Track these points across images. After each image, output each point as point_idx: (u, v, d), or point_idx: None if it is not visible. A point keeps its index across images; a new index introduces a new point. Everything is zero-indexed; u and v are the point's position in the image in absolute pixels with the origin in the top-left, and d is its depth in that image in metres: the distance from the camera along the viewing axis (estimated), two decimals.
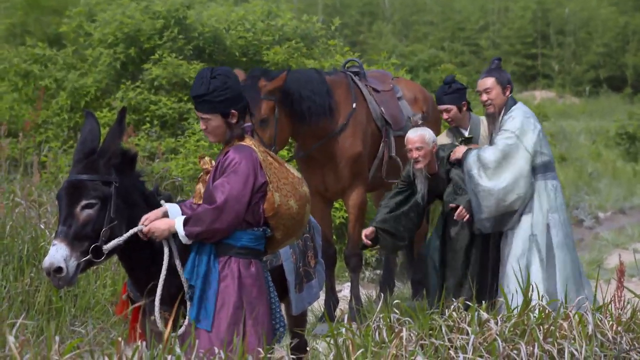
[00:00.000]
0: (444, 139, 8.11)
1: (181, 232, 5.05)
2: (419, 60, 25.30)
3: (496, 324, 5.42)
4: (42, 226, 8.21)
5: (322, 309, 8.51)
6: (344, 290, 9.80)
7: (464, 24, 40.01)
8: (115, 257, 5.51)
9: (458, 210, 7.25)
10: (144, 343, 5.02)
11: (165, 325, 4.99)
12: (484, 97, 7.53)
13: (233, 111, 5.16)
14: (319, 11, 34.11)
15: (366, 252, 11.14)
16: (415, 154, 7.38)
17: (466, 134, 8.04)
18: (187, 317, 5.12)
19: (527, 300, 5.64)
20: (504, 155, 7.32)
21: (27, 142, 12.49)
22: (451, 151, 7.50)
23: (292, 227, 5.21)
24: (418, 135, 7.41)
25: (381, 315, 5.50)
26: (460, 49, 37.50)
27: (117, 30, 13.12)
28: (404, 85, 9.48)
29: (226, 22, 13.91)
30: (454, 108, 8.07)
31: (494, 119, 7.57)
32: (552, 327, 5.43)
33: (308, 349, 6.17)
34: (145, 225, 5.14)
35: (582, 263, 7.82)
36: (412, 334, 5.30)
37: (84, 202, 5.08)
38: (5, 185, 9.97)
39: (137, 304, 5.33)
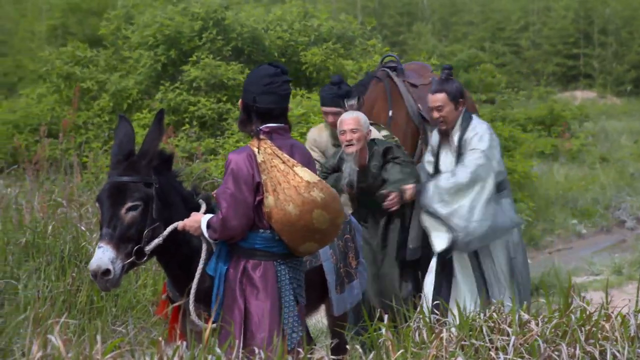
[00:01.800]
0: (320, 133, 7.78)
1: (205, 233, 5.09)
2: (459, 60, 25.21)
3: (537, 324, 5.37)
4: (83, 227, 8.27)
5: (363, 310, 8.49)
6: None
7: (504, 23, 39.78)
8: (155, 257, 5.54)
9: (389, 198, 7.04)
10: (184, 343, 5.03)
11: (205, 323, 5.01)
12: (436, 114, 7.18)
13: (240, 100, 5.22)
14: (358, 12, 34.06)
15: None
16: (348, 136, 7.03)
17: None
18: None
19: (567, 302, 5.59)
20: (475, 177, 7.02)
21: (68, 143, 12.58)
22: (385, 148, 7.19)
23: (296, 233, 5.05)
24: (353, 118, 7.08)
25: (421, 316, 5.48)
26: (500, 49, 37.29)
27: (157, 32, 13.18)
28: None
29: (264, 22, 13.94)
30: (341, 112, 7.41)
31: (447, 136, 7.21)
32: (593, 329, 5.37)
33: (348, 347, 6.15)
34: (182, 223, 5.18)
35: (624, 264, 7.79)
36: (452, 335, 5.26)
37: (128, 204, 5.10)
38: (47, 186, 10.05)
39: (176, 304, 5.35)
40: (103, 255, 5.01)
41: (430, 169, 7.37)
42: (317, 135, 7.79)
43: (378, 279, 7.20)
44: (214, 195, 5.19)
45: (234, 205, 4.99)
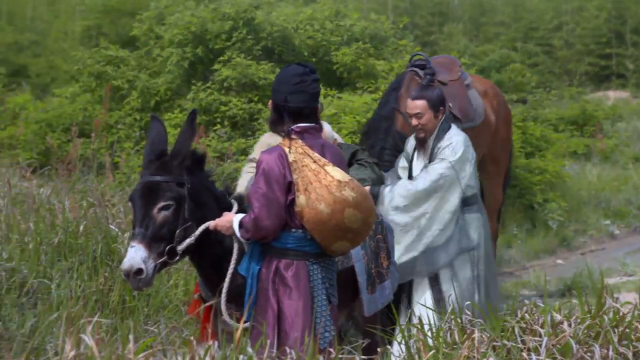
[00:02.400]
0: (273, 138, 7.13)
1: (237, 233, 5.10)
2: (491, 60, 25.10)
3: (570, 325, 5.34)
4: (115, 227, 8.30)
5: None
6: None
7: (537, 23, 39.57)
8: (187, 257, 5.55)
9: None
10: (216, 343, 5.05)
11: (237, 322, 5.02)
12: (414, 121, 6.93)
13: (270, 101, 5.21)
14: (389, 12, 34.00)
15: None
16: None
17: None
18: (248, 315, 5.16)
19: (600, 303, 5.55)
20: (436, 186, 6.85)
21: (100, 143, 12.65)
22: (353, 152, 6.95)
23: (328, 232, 5.06)
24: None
25: (452, 317, 5.46)
26: (533, 49, 37.09)
27: (185, 30, 13.23)
28: (475, 79, 9.36)
29: (295, 22, 13.94)
30: None
31: (424, 144, 7.01)
32: (627, 330, 5.33)
33: (377, 349, 6.14)
34: (214, 223, 5.19)
35: None
36: (484, 336, 5.24)
37: (161, 204, 5.13)
38: (79, 186, 10.10)
39: (208, 304, 5.36)
40: (135, 255, 5.03)
41: (404, 175, 7.23)
42: (272, 140, 7.07)
43: None
44: (246, 195, 5.20)
45: (266, 205, 5.00)
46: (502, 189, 9.71)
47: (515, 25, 39.76)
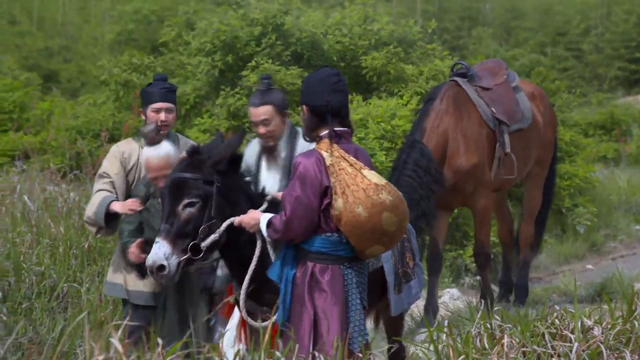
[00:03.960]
0: (131, 145, 6.72)
1: (264, 232, 5.11)
2: (520, 65, 25.00)
3: (600, 331, 5.30)
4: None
5: (422, 315, 8.47)
6: (444, 297, 9.73)
7: (566, 28, 39.41)
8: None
9: None
10: (244, 346, 5.06)
11: (274, 323, 5.05)
12: (262, 129, 6.25)
13: (304, 106, 5.21)
14: (418, 16, 33.98)
15: (466, 258, 11.06)
16: (162, 183, 5.87)
17: None
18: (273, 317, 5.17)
19: (631, 308, 5.51)
20: None
21: None
22: None
23: (364, 235, 5.07)
24: (162, 158, 6.11)
25: (482, 322, 5.44)
26: (562, 54, 36.93)
27: (215, 38, 13.26)
28: (521, 82, 9.33)
29: (323, 26, 13.94)
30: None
31: (273, 152, 6.37)
32: None
33: (404, 354, 6.12)
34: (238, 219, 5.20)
35: None
36: (513, 341, 5.22)
37: (186, 201, 5.16)
38: None
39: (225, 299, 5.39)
40: (159, 251, 5.08)
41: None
42: (127, 148, 6.71)
43: None
44: (282, 195, 5.19)
45: (299, 208, 5.02)
46: (547, 192, 9.68)
47: (544, 30, 39.62)
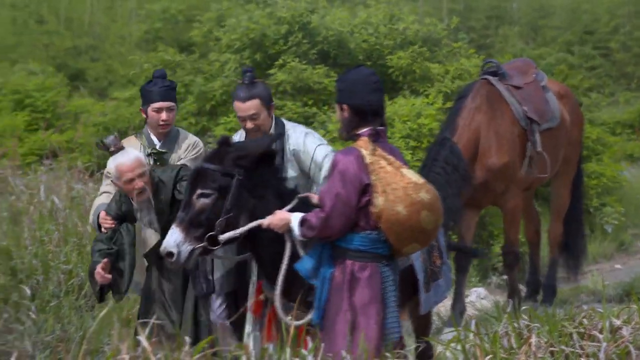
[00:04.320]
0: (132, 142, 6.63)
1: (297, 232, 5.11)
2: (547, 64, 24.89)
3: (629, 331, 5.26)
4: None
5: (450, 314, 8.45)
6: (471, 296, 9.70)
7: (593, 26, 39.20)
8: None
9: None
10: (272, 345, 5.06)
11: (289, 317, 5.05)
12: (249, 124, 6.14)
13: (344, 105, 5.18)
14: (444, 15, 33.87)
15: (493, 257, 11.03)
16: (139, 183, 5.96)
17: (159, 145, 6.59)
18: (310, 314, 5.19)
19: None
20: None
21: None
22: (177, 172, 6.11)
23: (404, 233, 5.10)
24: (134, 160, 5.99)
25: (509, 322, 5.42)
26: (590, 52, 36.74)
27: (244, 36, 13.28)
28: (549, 82, 9.30)
29: (350, 25, 13.93)
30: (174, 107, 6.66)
31: None
32: None
33: (432, 353, 6.11)
34: (267, 221, 5.20)
35: None
36: (541, 341, 5.19)
37: (199, 191, 5.18)
38: None
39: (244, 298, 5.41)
40: (170, 238, 5.16)
41: None
42: (128, 145, 6.49)
43: None
44: (321, 192, 5.18)
45: (338, 204, 5.03)
46: (576, 191, 9.64)
47: (572, 29, 39.43)
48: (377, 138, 5.23)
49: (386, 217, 5.05)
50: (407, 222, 5.06)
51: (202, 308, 6.20)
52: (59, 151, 13.31)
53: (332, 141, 11.49)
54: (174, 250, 5.14)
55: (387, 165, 5.13)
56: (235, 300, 6.29)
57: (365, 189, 5.08)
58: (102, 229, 6.19)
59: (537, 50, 32.77)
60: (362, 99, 5.22)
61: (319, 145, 6.28)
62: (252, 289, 5.69)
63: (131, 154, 6.01)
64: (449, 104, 11.40)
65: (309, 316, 5.19)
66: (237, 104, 6.18)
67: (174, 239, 5.15)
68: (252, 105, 6.13)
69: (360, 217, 5.11)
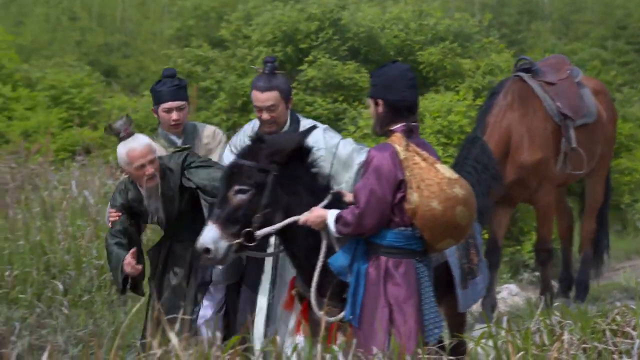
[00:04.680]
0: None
1: (332, 228, 5.10)
2: (580, 59, 24.73)
3: None
4: None
5: (481, 311, 8.43)
6: (503, 292, 9.67)
7: (627, 21, 38.92)
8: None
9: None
10: (302, 340, 5.06)
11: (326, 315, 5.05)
12: (266, 115, 6.02)
13: (379, 100, 5.17)
14: (476, 10, 33.77)
15: (524, 253, 10.98)
16: (150, 169, 5.91)
17: (179, 143, 6.47)
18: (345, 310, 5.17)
19: None
20: None
21: None
22: (184, 158, 6.04)
23: (438, 229, 5.08)
24: (145, 146, 5.92)
25: (541, 318, 5.39)
26: (623, 47, 36.48)
27: (276, 29, 13.30)
28: (584, 78, 9.25)
29: (380, 21, 13.92)
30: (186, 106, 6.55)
31: None
32: None
33: (465, 349, 6.09)
34: (304, 218, 5.20)
35: None
36: (573, 338, 5.16)
37: (236, 187, 5.18)
38: None
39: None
40: (206, 234, 5.13)
41: None
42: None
43: None
44: (356, 188, 5.18)
45: (373, 200, 5.02)
46: (605, 187, 9.59)
47: (604, 24, 39.18)
48: (410, 134, 5.21)
49: (421, 213, 5.04)
50: (442, 217, 5.05)
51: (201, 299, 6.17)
52: (91, 147, 13.39)
53: (362, 138, 11.50)
54: (212, 247, 5.13)
55: (421, 161, 5.11)
56: (237, 293, 6.23)
57: (400, 185, 5.06)
58: (109, 223, 6.16)
59: (569, 45, 32.58)
60: (397, 95, 5.20)
61: (340, 140, 6.23)
62: (265, 283, 5.68)
63: (142, 139, 5.93)
64: (479, 101, 11.37)
65: (344, 312, 5.19)
66: (256, 94, 6.07)
67: (211, 235, 5.13)
68: (270, 97, 6.03)
69: (394, 213, 5.09)
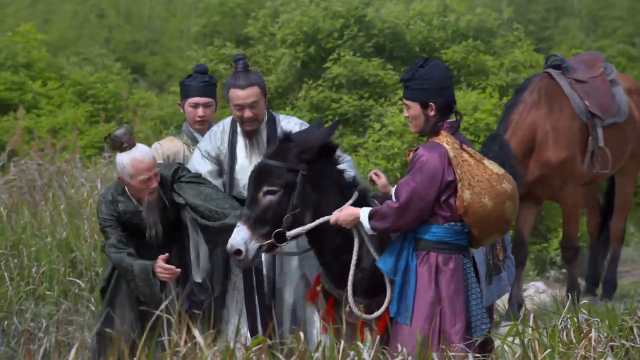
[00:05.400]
0: (174, 143, 6.48)
1: (366, 225, 5.10)
2: (608, 56, 24.57)
3: None
4: None
5: (507, 308, 8.40)
6: (529, 290, 9.63)
7: None
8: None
9: None
10: (326, 337, 5.06)
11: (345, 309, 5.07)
12: (248, 113, 5.93)
13: (431, 103, 5.13)
14: (503, 6, 33.63)
15: (551, 251, 10.93)
16: (154, 182, 5.81)
17: None
18: (382, 307, 5.17)
19: None
20: None
21: None
22: (174, 171, 5.90)
23: (488, 225, 5.11)
24: (152, 158, 5.82)
25: (569, 316, 5.36)
26: None
27: (297, 30, 13.30)
28: (618, 76, 9.18)
29: (405, 17, 13.88)
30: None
31: (256, 135, 6.06)
32: None
33: (492, 346, 6.06)
34: (334, 217, 5.19)
35: None
36: (601, 335, 5.13)
37: (266, 188, 5.17)
38: None
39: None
40: (237, 236, 5.13)
41: (216, 178, 6.13)
42: (171, 148, 6.47)
43: None
44: (399, 184, 5.16)
45: (416, 198, 5.02)
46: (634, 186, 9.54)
47: (633, 20, 38.92)
48: (455, 131, 5.22)
49: (473, 210, 5.05)
50: (493, 213, 5.07)
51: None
52: None
53: (387, 135, 11.48)
54: (242, 248, 5.13)
55: (469, 158, 5.13)
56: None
57: (449, 185, 5.07)
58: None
59: (597, 42, 32.39)
60: (449, 96, 5.22)
61: None
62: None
63: (147, 151, 5.79)
64: (505, 100, 11.32)
65: (381, 310, 5.17)
66: (236, 92, 5.94)
67: (242, 236, 5.13)
68: (252, 93, 5.93)
69: (443, 209, 5.10)
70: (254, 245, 5.15)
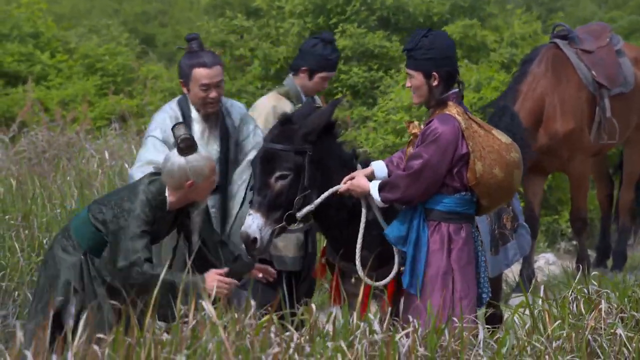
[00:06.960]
0: (280, 102, 6.25)
1: (377, 197, 5.09)
2: (618, 27, 24.42)
3: None
4: None
5: (517, 280, 8.40)
6: (540, 261, 9.63)
7: None
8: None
9: None
10: (337, 309, 5.06)
11: (367, 285, 5.08)
12: (214, 93, 5.59)
13: (434, 73, 5.10)
14: None
15: (562, 223, 10.92)
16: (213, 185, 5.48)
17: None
18: (391, 274, 5.17)
19: None
20: None
21: None
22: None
23: (497, 194, 5.12)
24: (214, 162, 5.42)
25: (579, 287, 5.36)
26: None
27: (306, 0, 13.27)
28: (626, 46, 9.12)
29: None
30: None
31: (214, 119, 5.76)
32: None
33: (502, 316, 6.07)
34: (345, 186, 5.18)
35: None
36: (611, 306, 5.12)
37: (277, 174, 5.14)
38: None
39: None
40: (252, 223, 5.07)
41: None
42: (280, 105, 6.22)
43: None
44: (411, 154, 5.15)
45: (426, 171, 5.00)
46: None
47: None
48: (460, 101, 5.20)
49: (485, 181, 5.05)
50: (503, 183, 5.08)
51: None
52: (128, 116, 13.42)
53: (395, 110, 11.44)
54: (258, 236, 5.10)
55: (479, 129, 5.12)
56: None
57: (461, 157, 5.05)
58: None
59: (609, 13, 32.23)
60: (453, 65, 5.19)
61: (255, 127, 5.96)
62: None
63: (207, 153, 5.33)
64: (507, 79, 11.24)
65: (390, 277, 5.17)
66: (203, 71, 5.57)
67: (256, 224, 5.09)
68: (219, 71, 5.60)
69: (454, 179, 5.09)
70: (267, 231, 5.12)
